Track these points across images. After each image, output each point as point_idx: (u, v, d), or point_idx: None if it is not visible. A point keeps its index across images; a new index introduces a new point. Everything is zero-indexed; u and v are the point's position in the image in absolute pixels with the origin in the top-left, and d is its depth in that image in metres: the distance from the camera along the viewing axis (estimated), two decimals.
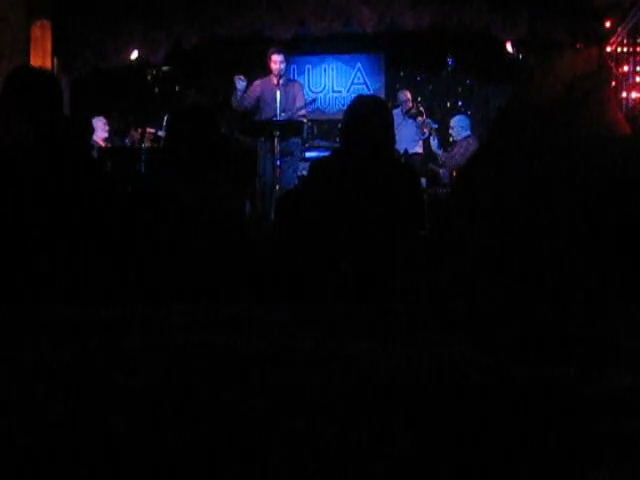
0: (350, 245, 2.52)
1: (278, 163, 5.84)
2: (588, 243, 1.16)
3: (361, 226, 2.54)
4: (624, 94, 5.95)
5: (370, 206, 2.56)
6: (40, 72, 2.62)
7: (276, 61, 5.96)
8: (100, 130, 6.99)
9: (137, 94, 7.39)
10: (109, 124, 7.11)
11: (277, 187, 5.77)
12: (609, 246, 1.16)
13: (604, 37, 5.98)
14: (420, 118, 7.15)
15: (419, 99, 7.63)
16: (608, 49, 5.99)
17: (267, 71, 6.14)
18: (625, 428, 0.80)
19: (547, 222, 1.19)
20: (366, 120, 2.72)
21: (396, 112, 7.34)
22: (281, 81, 5.98)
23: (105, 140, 7.01)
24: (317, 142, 7.01)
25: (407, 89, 7.62)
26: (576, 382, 0.89)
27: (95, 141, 6.85)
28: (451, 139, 6.84)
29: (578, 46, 5.83)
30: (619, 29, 6.06)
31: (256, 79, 6.25)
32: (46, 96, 2.43)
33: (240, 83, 6.05)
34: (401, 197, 2.63)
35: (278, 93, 5.92)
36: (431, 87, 8.81)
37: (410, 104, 7.32)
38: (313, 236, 2.56)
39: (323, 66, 9.01)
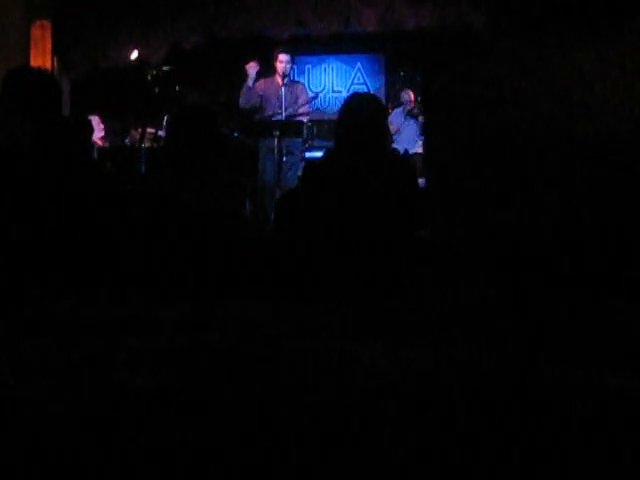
0: (348, 244, 2.51)
1: (278, 163, 5.85)
2: (590, 243, 1.16)
3: (358, 224, 2.54)
4: None
5: (364, 203, 2.56)
6: (39, 72, 2.62)
7: (282, 60, 6.00)
8: (95, 129, 6.97)
9: (137, 94, 7.39)
10: (103, 122, 7.09)
11: (278, 187, 5.78)
12: (611, 246, 1.16)
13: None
14: (421, 118, 7.16)
15: (419, 99, 7.62)
16: None
17: (270, 71, 6.15)
18: (624, 428, 0.80)
19: (548, 222, 1.19)
20: (356, 116, 2.72)
21: (397, 112, 7.34)
22: (285, 81, 6.01)
23: (102, 139, 7.00)
24: (317, 142, 7.01)
25: (410, 89, 7.61)
26: (579, 382, 0.89)
27: (93, 140, 6.84)
28: None
29: None
30: None
31: (257, 79, 6.25)
32: (45, 96, 2.43)
33: (252, 71, 6.04)
34: (395, 193, 2.63)
35: (282, 92, 5.94)
36: (431, 89, 8.79)
37: (413, 104, 7.33)
38: (312, 236, 2.56)
39: (323, 66, 9.01)
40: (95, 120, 7.00)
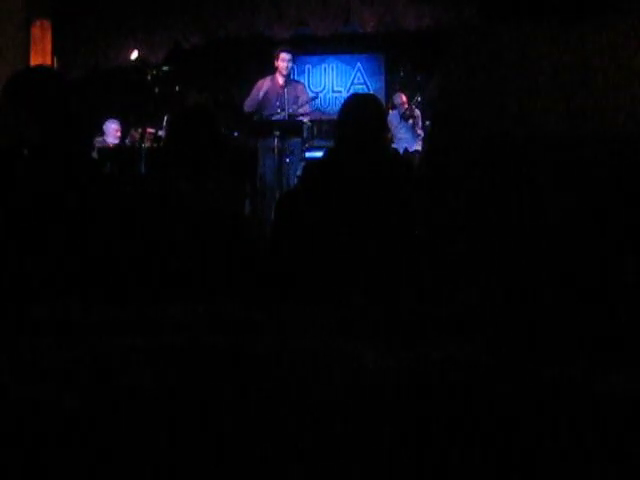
0: (349, 244, 2.52)
1: (278, 163, 5.85)
2: (589, 242, 1.16)
3: (358, 224, 2.54)
4: None
5: (364, 203, 2.56)
6: (47, 70, 2.61)
7: (285, 59, 6.02)
8: (112, 134, 6.99)
9: (137, 94, 7.39)
10: (122, 128, 7.10)
11: (278, 187, 5.79)
12: (611, 245, 1.16)
13: None
14: (411, 121, 7.21)
15: (418, 99, 7.62)
16: None
17: (270, 70, 6.17)
18: (624, 428, 0.80)
19: (547, 221, 1.19)
20: (356, 116, 2.73)
21: (394, 113, 7.35)
22: (286, 80, 6.03)
23: (115, 144, 7.01)
24: (317, 142, 7.02)
25: (402, 92, 7.64)
26: (580, 382, 0.89)
27: (106, 143, 6.86)
28: None
29: None
30: None
31: (257, 79, 6.26)
32: (55, 96, 2.42)
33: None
34: (395, 192, 2.63)
35: (283, 92, 5.95)
36: (431, 87, 8.79)
37: (405, 107, 7.36)
38: (312, 236, 2.56)
39: (323, 66, 9.01)
40: (114, 124, 7.01)
